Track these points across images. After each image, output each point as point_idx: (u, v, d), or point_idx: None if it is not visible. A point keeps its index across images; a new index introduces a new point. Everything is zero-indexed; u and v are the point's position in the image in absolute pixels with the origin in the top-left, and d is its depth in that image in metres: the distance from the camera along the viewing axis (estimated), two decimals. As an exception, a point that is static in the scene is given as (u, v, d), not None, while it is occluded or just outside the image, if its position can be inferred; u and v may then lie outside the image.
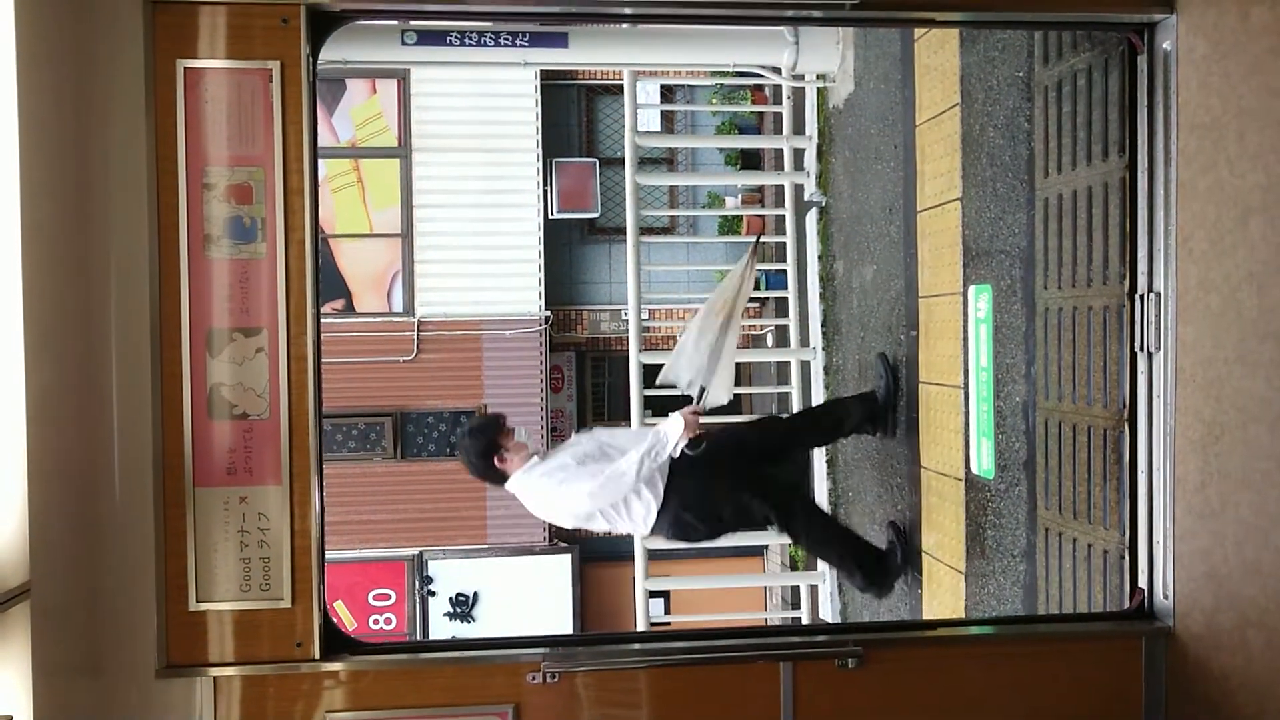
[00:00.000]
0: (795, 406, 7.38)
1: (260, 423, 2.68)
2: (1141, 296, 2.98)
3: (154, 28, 2.62)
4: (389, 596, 10.96)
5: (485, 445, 4.49)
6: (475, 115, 10.87)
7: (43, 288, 2.34)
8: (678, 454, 4.49)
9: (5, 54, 2.25)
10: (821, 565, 7.11)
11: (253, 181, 2.66)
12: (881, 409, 5.44)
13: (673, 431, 4.47)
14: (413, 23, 6.14)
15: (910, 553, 5.38)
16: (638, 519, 4.55)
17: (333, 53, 5.82)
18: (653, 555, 6.51)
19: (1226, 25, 2.70)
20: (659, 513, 4.52)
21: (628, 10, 3.00)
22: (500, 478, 4.51)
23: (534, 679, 2.79)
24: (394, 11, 2.98)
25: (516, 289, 10.95)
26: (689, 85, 11.76)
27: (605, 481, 4.37)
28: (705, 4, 2.89)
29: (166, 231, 2.63)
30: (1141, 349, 3.00)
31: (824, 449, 6.98)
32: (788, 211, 7.54)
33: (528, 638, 2.95)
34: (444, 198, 10.82)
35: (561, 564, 11.04)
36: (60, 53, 2.49)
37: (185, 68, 2.64)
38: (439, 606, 10.96)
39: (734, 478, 4.69)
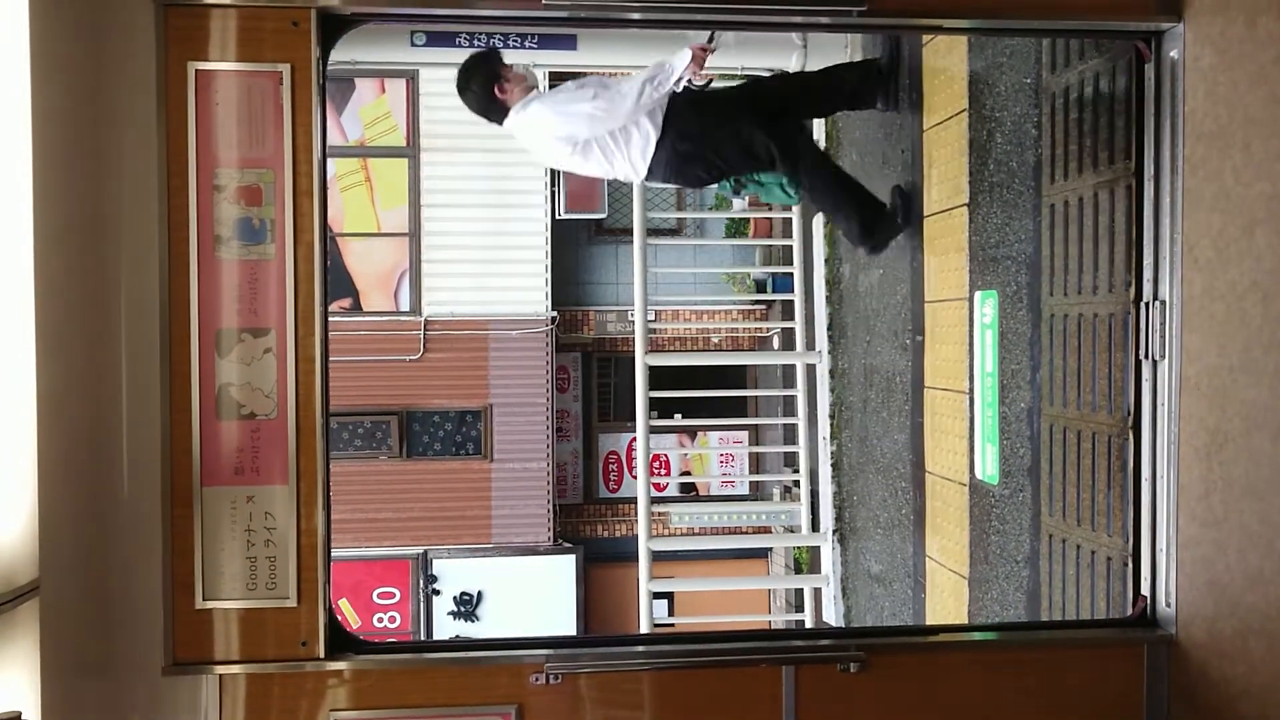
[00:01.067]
0: (801, 410, 7.40)
1: (268, 423, 2.70)
2: (1147, 304, 2.99)
3: (165, 30, 2.64)
4: (393, 595, 10.98)
5: (487, 75, 4.35)
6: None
7: (54, 287, 2.37)
8: (680, 88, 4.37)
9: (19, 56, 2.27)
10: (825, 567, 7.12)
11: (262, 183, 2.68)
12: (884, 76, 5.26)
13: (679, 62, 4.32)
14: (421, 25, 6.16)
15: (912, 215, 5.23)
16: (635, 153, 4.45)
17: (342, 54, 5.84)
18: (657, 556, 6.53)
19: (1234, 34, 2.70)
20: (657, 147, 4.43)
21: (635, 15, 3.01)
22: (501, 111, 4.39)
23: (537, 680, 2.80)
24: (404, 15, 3.00)
25: (523, 289, 10.96)
26: (697, 87, 11.76)
27: (605, 103, 4.27)
28: (713, 9, 2.90)
29: (177, 232, 2.65)
30: (1146, 356, 3.00)
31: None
32: (795, 214, 7.54)
33: (531, 639, 2.96)
34: (452, 197, 10.85)
35: (566, 564, 11.06)
36: (73, 55, 2.51)
37: (196, 70, 2.66)
38: (443, 605, 10.98)
39: (737, 112, 4.59)
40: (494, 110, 4.42)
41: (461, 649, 2.90)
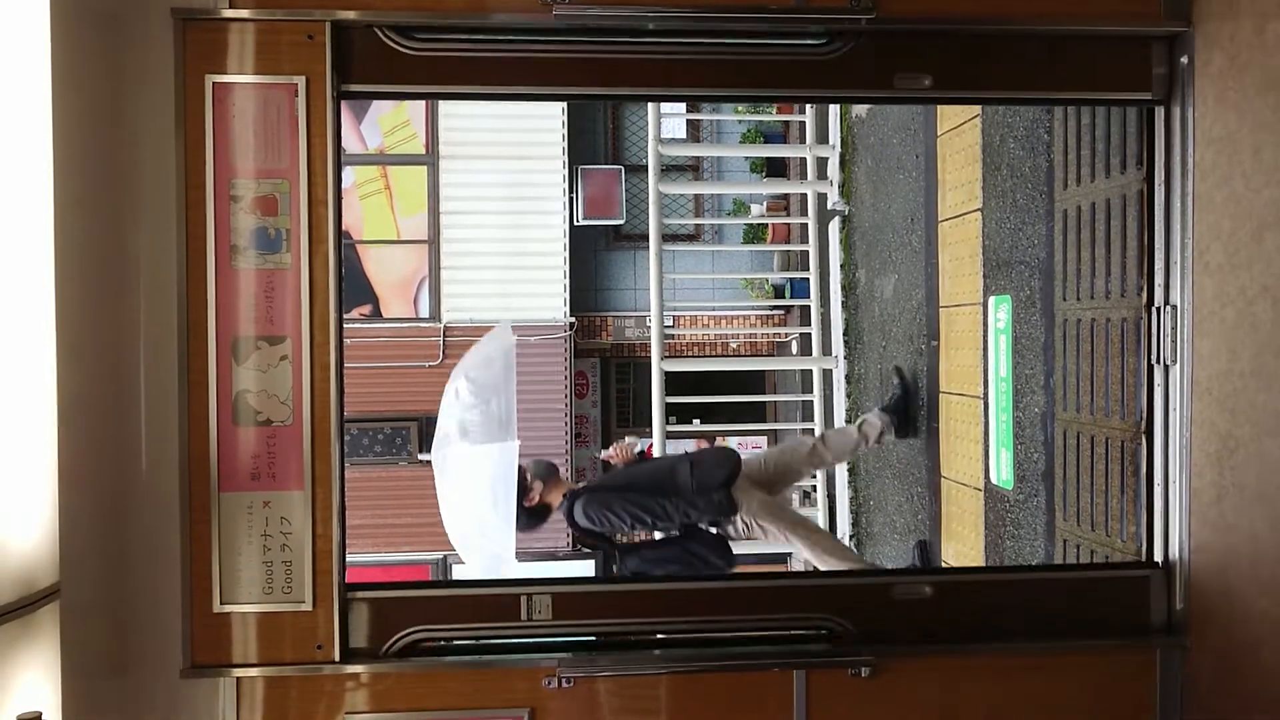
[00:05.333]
0: (818, 415, 7.40)
1: (284, 429, 2.74)
2: (1158, 309, 2.99)
3: (184, 44, 2.69)
4: (413, 600, 11.03)
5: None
6: (502, 123, 10.96)
7: (74, 296, 2.42)
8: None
9: (40, 69, 2.33)
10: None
11: (278, 193, 2.73)
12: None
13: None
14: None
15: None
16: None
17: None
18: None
19: (1243, 39, 2.70)
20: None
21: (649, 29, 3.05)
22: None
23: (550, 684, 2.83)
24: (420, 26, 3.04)
25: (542, 295, 11.02)
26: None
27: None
28: (723, 20, 2.93)
29: (194, 242, 2.70)
30: (1158, 361, 3.00)
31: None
32: (811, 220, 7.56)
33: (545, 643, 2.98)
34: (470, 204, 10.92)
35: (585, 570, 11.07)
36: (93, 68, 2.57)
37: (214, 82, 2.71)
38: (463, 610, 11.03)
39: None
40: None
41: (476, 653, 2.93)
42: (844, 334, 7.10)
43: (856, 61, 2.90)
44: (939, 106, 5.21)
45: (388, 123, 10.82)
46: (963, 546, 4.95)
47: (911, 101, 3.03)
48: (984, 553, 4.69)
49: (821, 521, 7.59)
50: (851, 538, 7.00)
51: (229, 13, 2.72)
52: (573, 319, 11.09)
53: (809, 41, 2.90)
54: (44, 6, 2.32)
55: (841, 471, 7.14)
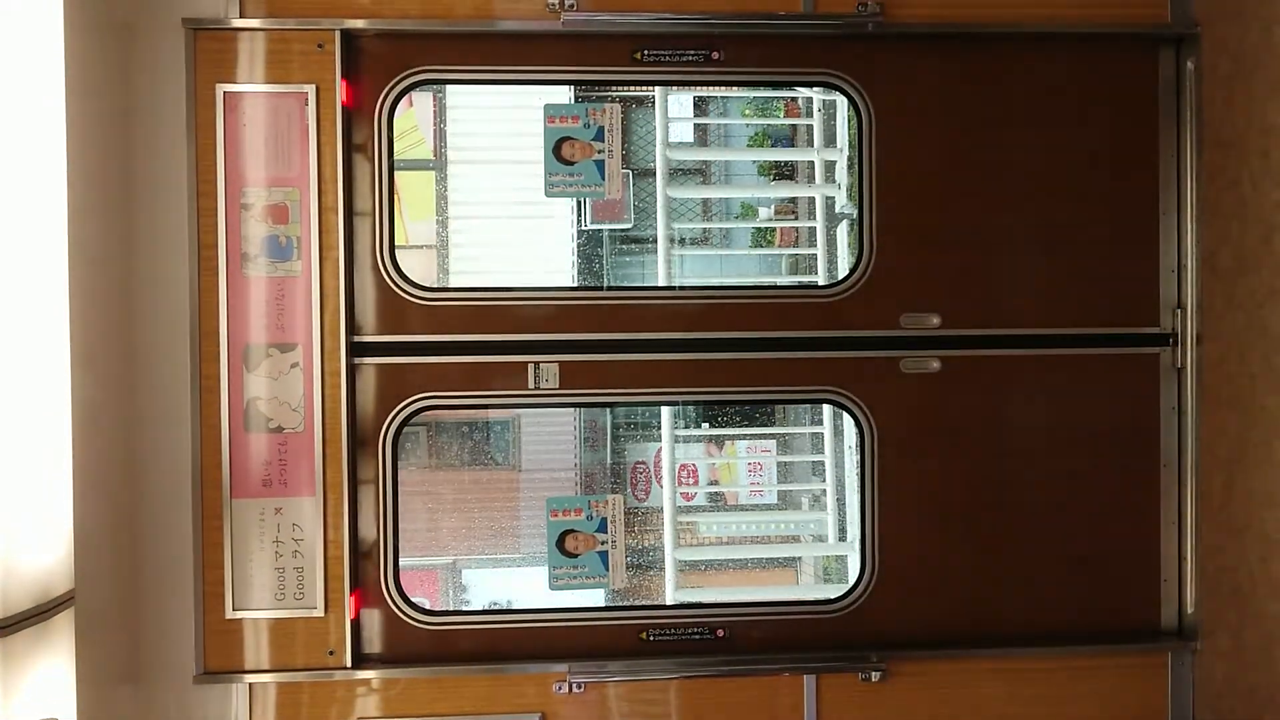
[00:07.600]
0: (826, 419, 7.38)
1: (295, 436, 2.76)
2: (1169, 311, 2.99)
3: (195, 53, 2.72)
4: (423, 605, 11.05)
5: None
6: (509, 127, 10.97)
7: (88, 304, 2.44)
8: None
9: (54, 79, 2.35)
10: (852, 576, 7.08)
11: (289, 202, 2.75)
12: None
13: None
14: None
15: None
16: None
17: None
18: (685, 566, 6.54)
19: (1250, 43, 2.70)
20: None
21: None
22: None
23: (561, 689, 2.84)
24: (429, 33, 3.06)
25: (550, 300, 11.01)
26: (722, 97, 11.80)
27: None
28: (733, 26, 2.95)
29: (206, 250, 2.73)
30: (1169, 364, 3.00)
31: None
32: (819, 223, 7.55)
33: (555, 647, 2.99)
34: (478, 209, 10.93)
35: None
36: (105, 77, 2.59)
37: (225, 92, 2.74)
38: (472, 615, 11.04)
39: None
40: None
41: (486, 659, 2.94)
42: (853, 337, 7.09)
43: (863, 302, 2.96)
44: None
45: (396, 127, 10.84)
46: (973, 550, 4.94)
47: (918, 343, 3.03)
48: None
49: (831, 527, 7.58)
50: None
51: (239, 22, 2.74)
52: (581, 323, 11.08)
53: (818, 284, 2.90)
54: (58, 17, 2.35)
55: (851, 476, 7.14)
